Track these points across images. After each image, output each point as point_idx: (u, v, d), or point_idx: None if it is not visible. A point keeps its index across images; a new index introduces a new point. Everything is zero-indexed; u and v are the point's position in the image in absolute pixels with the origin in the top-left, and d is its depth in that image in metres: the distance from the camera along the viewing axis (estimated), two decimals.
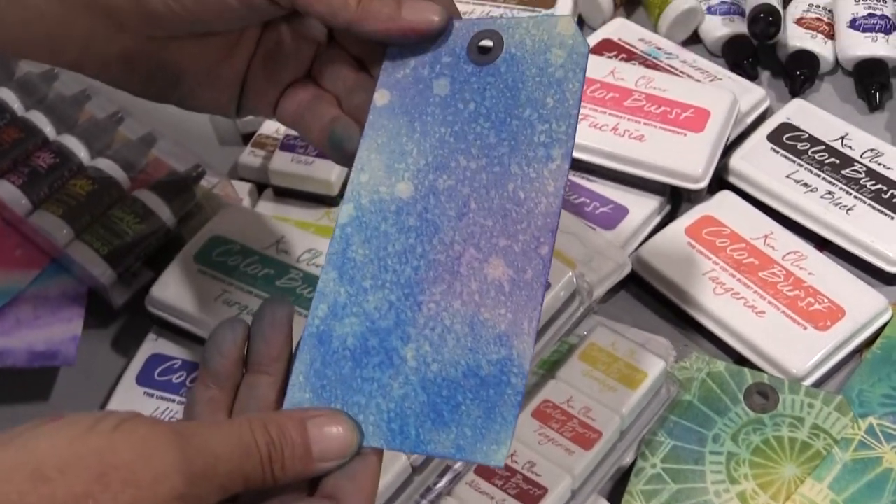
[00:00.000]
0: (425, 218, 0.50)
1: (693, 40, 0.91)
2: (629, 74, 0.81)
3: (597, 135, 0.78)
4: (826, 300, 0.72)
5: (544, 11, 0.89)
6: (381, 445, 0.47)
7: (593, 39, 0.88)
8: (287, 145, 0.80)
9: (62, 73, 0.82)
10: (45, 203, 0.75)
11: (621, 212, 0.77)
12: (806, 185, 0.77)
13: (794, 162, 0.79)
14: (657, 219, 0.78)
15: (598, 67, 0.82)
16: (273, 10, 0.52)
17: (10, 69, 0.83)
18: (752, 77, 0.87)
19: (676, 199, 0.79)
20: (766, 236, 0.75)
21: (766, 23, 0.85)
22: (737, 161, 0.79)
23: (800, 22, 0.88)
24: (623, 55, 0.86)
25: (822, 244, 0.77)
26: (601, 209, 0.77)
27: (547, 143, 0.50)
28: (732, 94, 0.79)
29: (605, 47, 0.87)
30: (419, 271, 0.49)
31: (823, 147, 0.79)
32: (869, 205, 0.76)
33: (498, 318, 0.48)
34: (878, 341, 0.72)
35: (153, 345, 0.72)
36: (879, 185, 0.77)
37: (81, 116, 0.81)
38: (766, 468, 0.65)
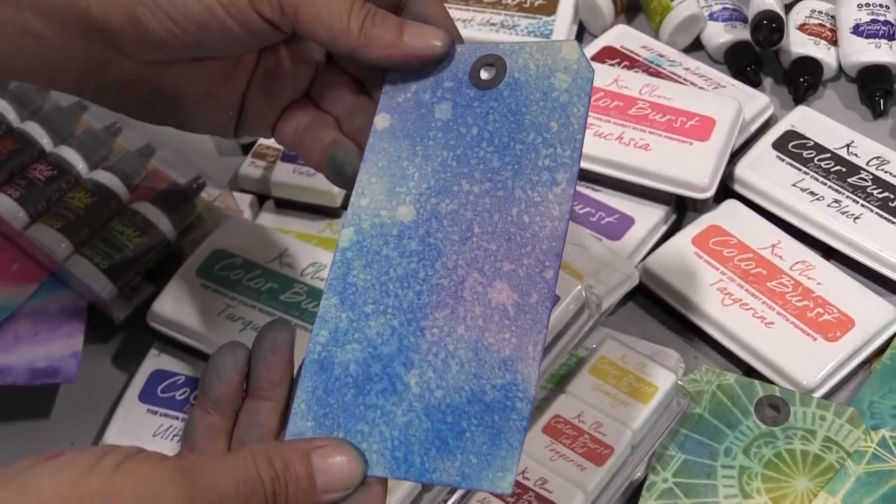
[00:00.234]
0: (427, 242, 0.50)
1: (695, 47, 0.90)
2: (633, 83, 0.80)
3: (602, 144, 0.77)
4: (835, 310, 0.71)
5: (545, 18, 0.88)
6: (385, 474, 0.47)
7: (595, 47, 0.87)
8: (288, 156, 0.79)
9: None
10: (42, 216, 0.74)
11: (627, 222, 0.76)
12: (812, 193, 0.77)
13: (800, 170, 0.78)
14: (663, 228, 0.78)
15: (603, 76, 0.81)
16: (275, 35, 0.52)
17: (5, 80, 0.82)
18: (755, 84, 0.86)
19: (682, 209, 0.79)
20: (773, 246, 0.75)
21: (770, 29, 0.84)
22: (742, 170, 0.79)
23: (802, 28, 0.88)
24: (626, 63, 0.85)
25: (828, 253, 0.76)
26: (607, 219, 0.77)
27: (551, 167, 0.49)
28: (737, 103, 0.79)
29: (607, 55, 0.86)
30: (422, 296, 0.49)
31: (829, 155, 0.79)
32: (876, 213, 0.76)
33: (502, 342, 0.47)
34: (888, 352, 0.71)
35: (155, 361, 0.71)
36: (886, 194, 0.76)
37: (78, 127, 0.79)
38: (779, 482, 0.65)
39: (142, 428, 0.68)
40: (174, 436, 0.68)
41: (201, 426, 0.52)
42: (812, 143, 0.79)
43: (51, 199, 0.75)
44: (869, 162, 0.78)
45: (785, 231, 0.76)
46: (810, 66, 0.86)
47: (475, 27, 0.88)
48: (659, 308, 0.75)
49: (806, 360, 0.70)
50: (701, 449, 0.66)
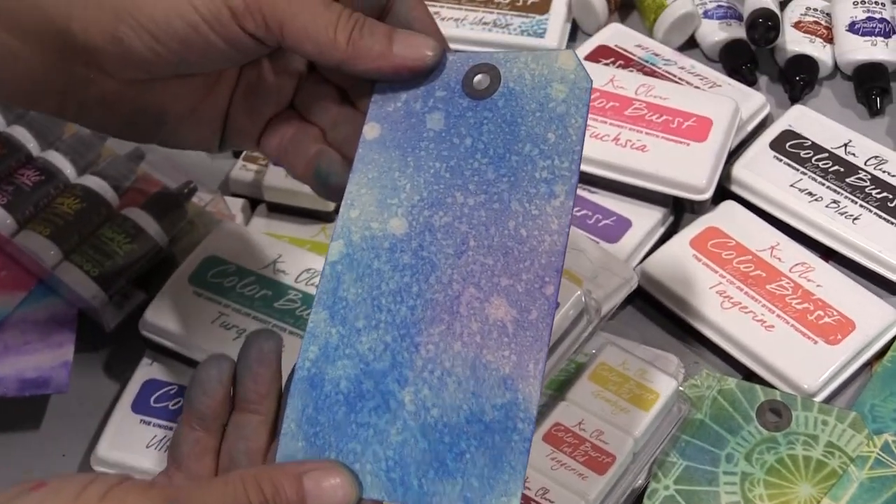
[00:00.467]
0: (421, 255, 0.48)
1: (689, 45, 0.89)
2: (629, 83, 0.79)
3: (598, 145, 0.76)
4: (835, 313, 0.71)
5: (538, 17, 0.87)
6: (380, 497, 0.45)
7: (589, 46, 0.86)
8: None
9: None
10: (30, 222, 0.72)
11: (624, 224, 0.76)
12: (811, 194, 0.76)
13: (798, 170, 0.77)
14: (660, 231, 0.77)
15: (598, 75, 0.80)
16: (260, 49, 0.51)
17: None
18: (751, 82, 0.85)
19: (679, 210, 0.78)
20: (772, 248, 0.74)
21: (766, 27, 0.83)
22: (739, 170, 0.78)
23: (798, 26, 0.87)
24: (620, 62, 0.84)
25: (826, 254, 0.76)
26: (604, 222, 0.76)
27: (549, 179, 0.48)
28: (734, 102, 0.78)
29: (602, 54, 0.85)
30: (415, 311, 0.47)
31: (827, 155, 0.78)
32: (875, 213, 0.75)
33: (502, 360, 0.46)
34: (889, 354, 0.70)
35: (148, 370, 0.69)
36: (885, 194, 0.76)
37: (66, 131, 0.78)
38: (782, 488, 0.64)
39: (135, 439, 0.66)
40: (168, 447, 0.67)
41: (187, 442, 0.51)
42: (810, 142, 0.79)
43: (38, 205, 0.73)
44: (867, 161, 0.78)
45: (783, 232, 0.75)
46: (806, 65, 0.85)
47: (467, 26, 0.87)
48: (657, 312, 0.74)
49: (807, 364, 0.69)
50: (702, 455, 0.65)
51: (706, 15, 0.88)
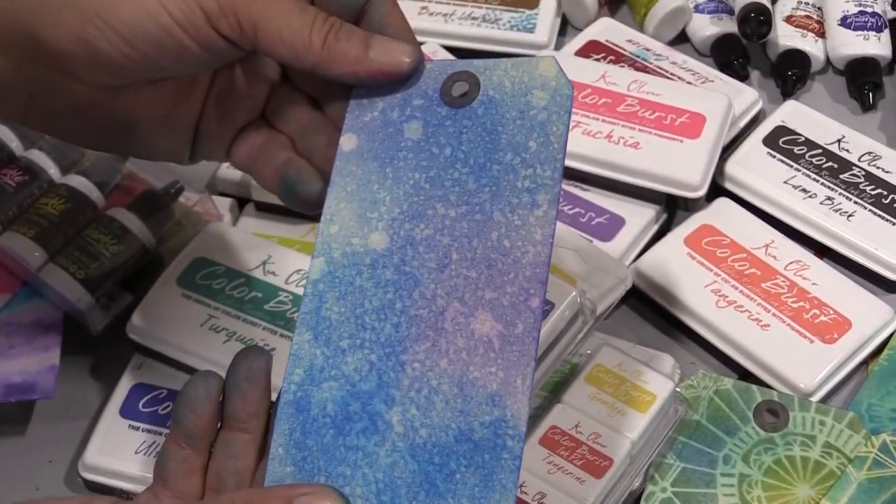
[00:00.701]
0: (403, 271, 0.47)
1: (680, 40, 0.88)
2: (620, 78, 0.78)
3: (590, 143, 0.76)
4: (831, 311, 0.70)
5: (527, 12, 0.86)
6: None
7: (579, 41, 0.85)
8: None
9: None
10: (14, 223, 0.71)
11: (618, 222, 0.75)
12: (805, 190, 0.75)
13: (792, 167, 0.77)
14: (654, 228, 0.76)
15: (589, 71, 0.79)
16: (234, 52, 0.50)
17: None
18: (743, 77, 0.84)
19: (671, 207, 0.77)
20: (766, 245, 0.73)
21: (757, 22, 0.82)
22: (732, 167, 0.77)
23: (789, 20, 0.86)
24: (611, 57, 0.83)
25: (820, 251, 0.75)
26: (597, 220, 0.75)
27: (531, 188, 0.47)
28: (727, 98, 0.77)
29: (592, 49, 0.84)
30: (400, 328, 0.46)
31: (821, 151, 0.77)
32: (870, 210, 0.74)
33: (488, 376, 0.45)
34: (885, 353, 0.70)
35: (136, 374, 0.68)
36: (879, 190, 0.75)
37: None
38: (780, 490, 0.63)
39: (124, 445, 0.65)
40: (155, 464, 0.65)
41: (175, 460, 0.50)
42: (803, 138, 0.78)
43: (22, 206, 0.72)
44: (861, 158, 0.77)
45: (778, 229, 0.75)
46: (798, 59, 0.84)
47: (456, 21, 0.86)
48: (652, 311, 0.73)
49: (803, 363, 0.68)
50: (699, 457, 0.65)
51: (697, 9, 0.87)
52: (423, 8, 0.87)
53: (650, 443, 0.64)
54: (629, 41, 0.85)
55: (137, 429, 0.66)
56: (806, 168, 0.76)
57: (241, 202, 0.78)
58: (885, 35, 0.84)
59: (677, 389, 0.66)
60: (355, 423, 0.46)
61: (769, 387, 0.68)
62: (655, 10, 0.86)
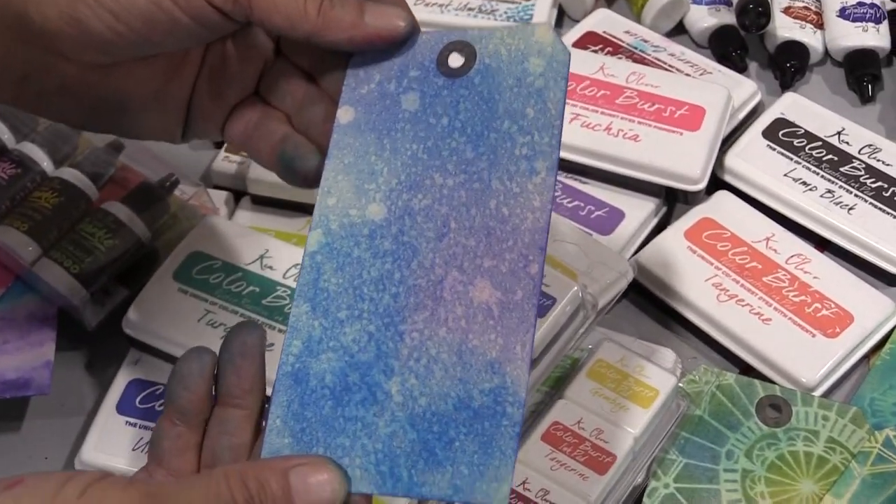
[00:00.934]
0: (401, 241, 0.47)
1: (677, 31, 0.88)
2: (619, 70, 0.78)
3: (590, 135, 0.75)
4: (833, 305, 0.70)
5: (524, 3, 0.85)
6: (370, 491, 0.44)
7: (576, 32, 0.84)
8: None
9: None
10: (7, 217, 0.70)
11: (617, 216, 0.74)
12: (805, 183, 0.75)
13: (792, 159, 0.76)
14: (654, 221, 0.76)
15: (587, 63, 0.78)
16: (227, 25, 0.49)
17: None
18: (741, 69, 0.84)
19: (671, 200, 0.77)
20: (767, 239, 0.73)
21: (756, 13, 0.82)
22: (732, 159, 0.77)
23: (787, 11, 0.85)
24: (609, 49, 0.83)
25: (821, 244, 0.75)
26: (596, 213, 0.74)
27: (529, 155, 0.47)
28: (727, 90, 0.77)
29: (590, 40, 0.84)
30: (398, 298, 0.46)
31: (820, 143, 0.77)
32: (870, 203, 0.74)
33: (488, 344, 0.45)
34: (887, 347, 0.70)
35: (132, 369, 0.67)
36: (880, 183, 0.75)
37: (40, 122, 0.75)
38: (783, 485, 0.63)
39: (120, 441, 0.65)
40: (149, 443, 0.65)
41: (169, 438, 0.49)
42: (803, 131, 0.78)
43: (15, 199, 0.71)
44: (861, 150, 0.77)
45: (778, 223, 0.74)
46: (797, 51, 0.84)
47: (452, 12, 0.86)
48: (652, 305, 0.73)
49: (805, 358, 0.68)
50: (702, 452, 0.64)
51: (695, 0, 0.86)
52: None
53: (653, 438, 0.64)
54: (627, 32, 0.84)
55: (134, 425, 0.65)
56: (806, 161, 0.76)
57: (237, 195, 0.77)
58: (884, 26, 0.84)
59: (679, 385, 0.65)
60: (354, 394, 0.45)
61: (771, 381, 0.68)
62: (653, 0, 0.85)
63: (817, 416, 0.65)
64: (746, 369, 0.70)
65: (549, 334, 0.63)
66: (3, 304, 0.69)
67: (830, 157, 0.76)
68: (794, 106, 0.79)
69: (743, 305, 0.70)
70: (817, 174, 0.75)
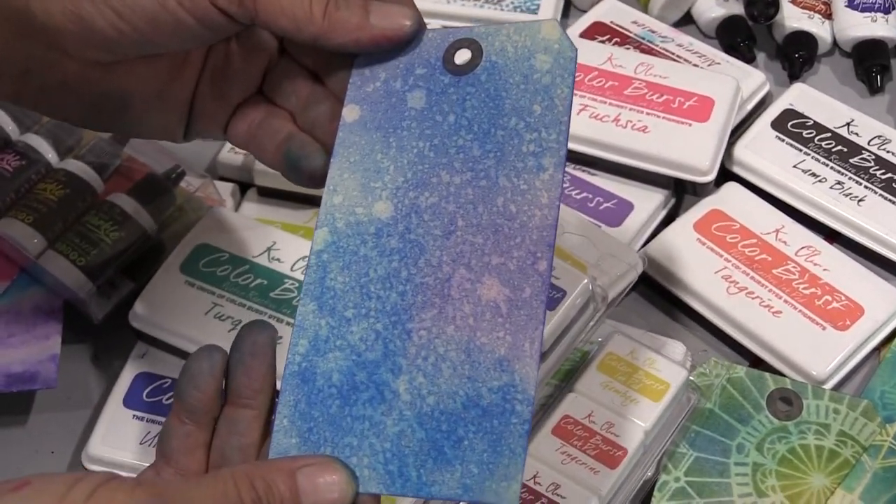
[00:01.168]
0: (408, 239, 0.47)
1: (685, 21, 0.87)
2: (627, 61, 0.77)
3: (598, 126, 0.74)
4: (843, 297, 0.69)
5: None
6: (379, 490, 0.44)
7: (583, 22, 0.84)
8: None
9: None
10: (12, 209, 0.69)
11: (626, 207, 0.74)
12: (814, 175, 0.75)
13: (801, 151, 0.76)
14: (662, 213, 0.75)
15: (595, 54, 0.78)
16: (231, 27, 0.49)
17: None
18: (749, 60, 0.83)
19: (679, 192, 0.76)
20: (777, 231, 0.73)
21: (765, 3, 0.81)
22: (741, 151, 0.76)
23: (796, 2, 0.85)
24: (616, 39, 0.82)
25: (830, 236, 0.74)
26: (605, 205, 0.74)
27: (537, 152, 0.47)
28: (735, 81, 0.76)
29: (597, 31, 0.83)
30: (406, 297, 0.46)
31: (830, 134, 0.76)
32: (880, 195, 0.74)
33: (496, 341, 0.44)
34: None
35: (139, 363, 0.67)
36: (889, 174, 0.74)
37: None
38: (794, 479, 0.63)
39: (128, 435, 0.64)
40: (157, 440, 0.64)
41: (178, 436, 0.49)
42: (812, 122, 0.77)
43: (20, 191, 0.71)
44: (870, 141, 0.76)
45: (787, 214, 0.74)
46: (805, 41, 0.83)
47: (458, 2, 0.85)
48: (661, 297, 0.72)
49: (816, 351, 0.68)
50: (713, 446, 0.64)
51: None
52: None
53: (663, 432, 0.63)
54: (634, 23, 0.84)
55: (142, 419, 0.65)
56: (815, 152, 0.75)
57: (243, 187, 0.77)
58: (893, 16, 0.83)
59: (690, 378, 0.65)
60: (361, 393, 0.45)
61: (781, 374, 0.67)
62: None
63: (828, 410, 0.65)
64: (756, 362, 0.69)
65: (560, 327, 0.63)
66: (9, 297, 0.69)
67: (840, 148, 0.76)
68: (802, 97, 0.79)
69: (753, 298, 0.70)
70: (826, 165, 0.75)
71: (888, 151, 0.76)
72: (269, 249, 0.68)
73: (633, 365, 0.64)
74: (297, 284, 0.67)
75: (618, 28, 0.83)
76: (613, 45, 0.82)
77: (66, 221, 0.69)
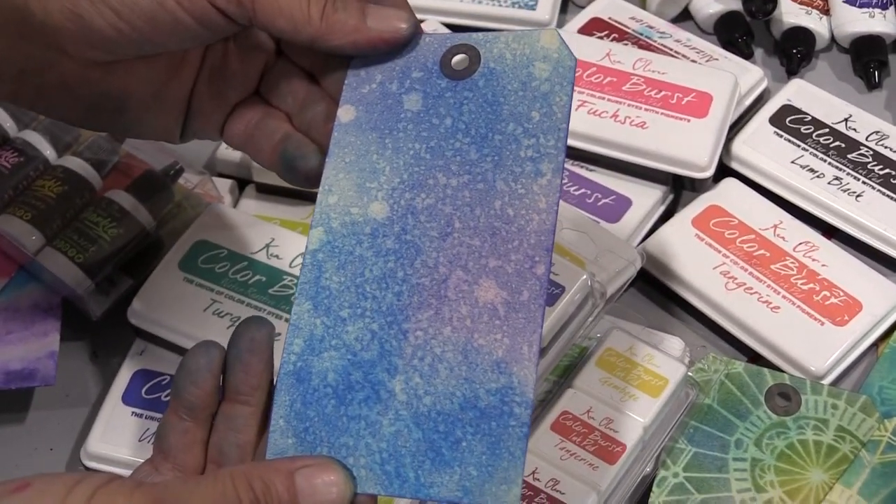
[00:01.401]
0: (404, 239, 0.47)
1: (683, 17, 0.87)
2: (626, 57, 0.77)
3: (596, 122, 0.74)
4: (842, 293, 0.69)
5: None
6: (377, 491, 0.44)
7: (581, 18, 0.84)
8: None
9: None
10: (10, 206, 0.69)
11: (625, 203, 0.74)
12: (812, 170, 0.75)
13: (799, 146, 0.76)
14: (661, 209, 0.75)
15: (594, 50, 0.78)
16: (229, 27, 0.49)
17: None
18: (747, 55, 0.83)
19: (677, 188, 0.76)
20: (775, 226, 0.73)
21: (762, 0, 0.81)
22: (739, 146, 0.76)
23: None
24: (614, 35, 0.82)
25: (828, 231, 0.74)
26: (603, 200, 0.74)
27: (535, 157, 0.47)
28: (734, 77, 0.76)
29: (595, 26, 0.83)
30: (402, 297, 0.46)
31: (828, 130, 0.76)
32: (878, 191, 0.74)
33: (494, 343, 0.44)
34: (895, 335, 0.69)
35: (138, 360, 0.67)
36: (888, 170, 0.74)
37: None
38: (793, 474, 0.63)
39: (127, 432, 0.64)
40: (154, 435, 0.64)
41: (175, 432, 0.49)
42: (810, 117, 0.77)
43: (18, 188, 0.70)
44: (868, 137, 0.76)
45: (785, 210, 0.74)
46: (803, 37, 0.83)
47: None
48: (660, 293, 0.72)
49: (814, 346, 0.68)
50: (711, 441, 0.64)
51: None
52: None
53: (662, 427, 0.63)
54: (632, 18, 0.84)
55: (140, 416, 0.65)
56: (813, 147, 0.75)
57: (242, 183, 0.77)
58: (891, 12, 0.83)
59: (688, 373, 0.65)
60: (357, 393, 0.45)
61: (780, 370, 0.67)
62: None
63: (826, 405, 0.65)
64: (755, 358, 0.69)
65: (558, 323, 0.63)
66: (7, 294, 0.69)
67: (838, 143, 0.76)
68: (800, 92, 0.79)
69: (751, 293, 0.70)
70: (825, 161, 0.75)
71: (886, 147, 0.76)
72: (267, 246, 0.68)
73: (632, 361, 0.64)
74: (295, 281, 0.66)
75: (616, 24, 0.83)
76: (612, 41, 0.82)
77: (64, 218, 0.69)
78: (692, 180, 0.74)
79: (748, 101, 0.79)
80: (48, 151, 0.72)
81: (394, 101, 0.49)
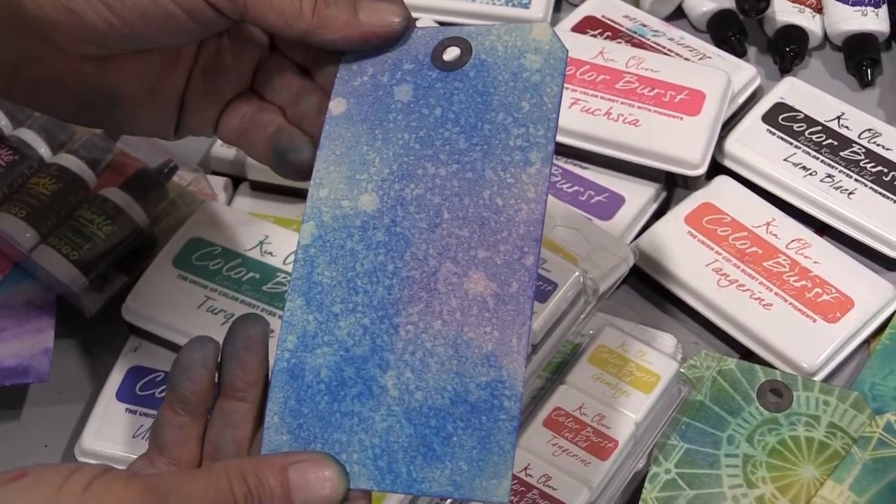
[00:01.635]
0: (394, 232, 0.47)
1: (676, 15, 0.87)
2: (619, 55, 0.78)
3: (589, 120, 0.75)
4: (834, 290, 0.70)
5: None
6: (369, 486, 0.44)
7: (575, 16, 0.84)
8: None
9: None
10: (4, 204, 0.70)
11: (617, 201, 0.74)
12: (805, 168, 0.75)
13: (791, 144, 0.76)
14: (653, 207, 0.75)
15: (587, 48, 0.78)
16: (222, 22, 0.49)
17: None
18: (740, 54, 0.84)
19: (670, 185, 0.77)
20: (767, 224, 0.73)
21: None
22: (732, 144, 0.76)
23: None
24: (608, 33, 0.82)
25: (821, 229, 0.74)
26: (596, 198, 0.74)
27: (524, 147, 0.47)
28: (726, 75, 0.76)
29: (589, 25, 0.83)
30: (392, 291, 0.46)
31: (820, 128, 0.77)
32: (870, 188, 0.74)
33: (483, 336, 0.44)
34: (887, 331, 0.69)
35: (132, 356, 0.67)
36: (880, 168, 0.75)
37: None
38: (784, 470, 0.63)
39: (121, 429, 0.64)
40: (150, 430, 0.64)
41: (171, 427, 0.49)
42: (802, 115, 0.77)
43: (12, 186, 0.71)
44: (861, 135, 0.76)
45: (778, 207, 0.74)
46: (796, 35, 0.83)
47: None
48: (652, 290, 0.73)
49: (806, 343, 0.68)
50: (703, 438, 0.64)
51: None
52: None
53: (654, 424, 0.63)
54: (626, 17, 0.84)
55: (134, 413, 0.65)
56: (806, 145, 0.76)
57: (236, 181, 0.77)
58: (884, 10, 0.84)
59: (680, 370, 0.65)
60: (350, 389, 0.45)
61: (772, 366, 0.68)
62: None
63: (818, 402, 0.65)
64: (747, 354, 0.70)
65: (551, 320, 0.63)
66: (2, 291, 0.69)
67: (830, 141, 0.76)
68: (793, 90, 0.79)
69: (743, 290, 0.70)
70: (817, 159, 0.75)
71: (878, 145, 0.76)
72: (261, 243, 0.68)
73: (624, 357, 0.64)
74: (289, 278, 0.67)
75: (609, 22, 0.83)
76: (605, 39, 0.82)
77: (58, 216, 0.69)
78: (685, 178, 0.74)
79: (741, 99, 0.79)
80: (43, 149, 0.72)
81: (384, 92, 0.49)
